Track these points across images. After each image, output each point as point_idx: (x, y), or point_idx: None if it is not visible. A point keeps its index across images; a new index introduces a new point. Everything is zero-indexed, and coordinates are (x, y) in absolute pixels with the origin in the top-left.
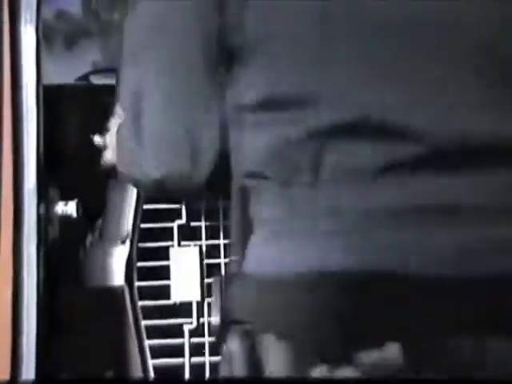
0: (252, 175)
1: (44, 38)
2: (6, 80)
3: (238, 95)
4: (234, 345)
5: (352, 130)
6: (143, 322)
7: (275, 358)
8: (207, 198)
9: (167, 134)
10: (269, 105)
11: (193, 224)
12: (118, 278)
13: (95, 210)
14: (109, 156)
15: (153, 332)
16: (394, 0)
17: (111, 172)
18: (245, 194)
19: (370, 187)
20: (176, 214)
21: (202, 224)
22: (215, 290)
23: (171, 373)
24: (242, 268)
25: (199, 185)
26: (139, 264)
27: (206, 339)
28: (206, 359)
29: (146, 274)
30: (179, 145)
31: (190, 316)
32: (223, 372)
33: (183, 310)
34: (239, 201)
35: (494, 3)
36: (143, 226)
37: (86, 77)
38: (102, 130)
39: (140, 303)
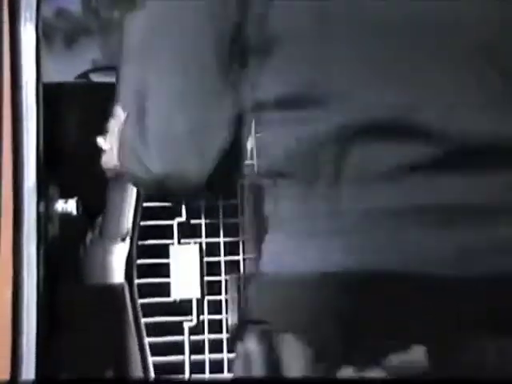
0: (270, 174)
1: (44, 36)
2: (5, 79)
3: (258, 92)
4: (252, 344)
5: (375, 130)
6: (143, 320)
7: (294, 358)
8: (207, 198)
9: (171, 134)
10: (288, 103)
11: (193, 222)
12: (117, 275)
13: (95, 208)
14: (108, 158)
15: (153, 329)
16: (396, 0)
17: (110, 173)
18: (258, 192)
19: (370, 188)
20: (176, 212)
21: (202, 222)
22: (232, 288)
23: (171, 370)
24: (259, 267)
25: (199, 185)
26: (139, 262)
27: (206, 336)
28: (206, 357)
29: (145, 271)
30: (183, 144)
31: (190, 313)
32: (238, 370)
33: (183, 307)
34: (252, 199)
35: (494, 3)
36: (143, 223)
37: (85, 75)
38: (102, 128)
39: (140, 301)
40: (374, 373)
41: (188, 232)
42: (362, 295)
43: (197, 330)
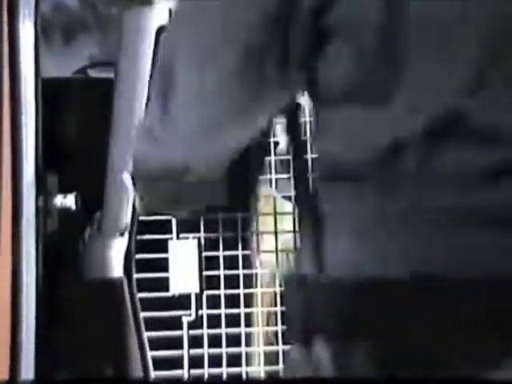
0: (339, 176)
1: (42, 31)
2: (5, 75)
3: (323, 88)
4: (321, 351)
5: (461, 132)
6: (142, 314)
7: (362, 366)
8: (223, 210)
9: (195, 124)
10: (359, 98)
11: None
12: (116, 270)
13: (94, 203)
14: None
15: (151, 324)
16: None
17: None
18: (314, 192)
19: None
20: None
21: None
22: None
23: (170, 364)
24: (322, 271)
25: (214, 179)
26: (138, 256)
27: (205, 331)
28: (205, 351)
29: (144, 266)
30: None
31: (189, 308)
32: (297, 372)
33: (182, 302)
34: (307, 201)
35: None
36: (142, 218)
37: (83, 70)
38: (100, 122)
39: (139, 295)
40: None
41: (187, 227)
42: (427, 301)
43: (195, 324)
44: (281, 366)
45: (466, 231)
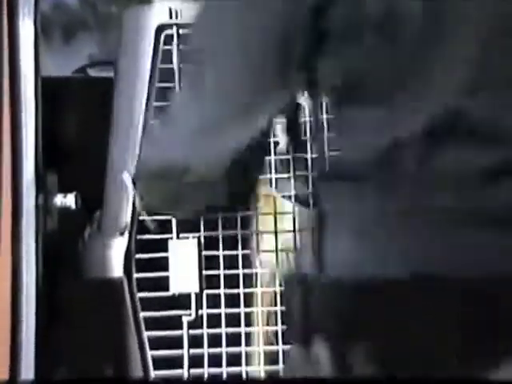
0: (339, 176)
1: (42, 31)
2: (4, 73)
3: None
4: (321, 351)
5: (463, 132)
6: (142, 314)
7: (363, 366)
8: (223, 210)
9: (194, 128)
10: (370, 98)
11: None
12: (116, 269)
13: (94, 202)
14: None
15: (151, 323)
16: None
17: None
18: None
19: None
20: None
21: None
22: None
23: (170, 364)
24: (322, 270)
25: (215, 177)
26: (138, 256)
27: (205, 331)
28: (205, 351)
29: (144, 265)
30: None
31: (189, 308)
32: (296, 372)
33: (182, 301)
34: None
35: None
36: (142, 217)
37: (83, 69)
38: (100, 122)
39: (139, 295)
40: None
41: (187, 226)
42: (427, 301)
43: (195, 324)
44: (281, 365)
45: (466, 231)
